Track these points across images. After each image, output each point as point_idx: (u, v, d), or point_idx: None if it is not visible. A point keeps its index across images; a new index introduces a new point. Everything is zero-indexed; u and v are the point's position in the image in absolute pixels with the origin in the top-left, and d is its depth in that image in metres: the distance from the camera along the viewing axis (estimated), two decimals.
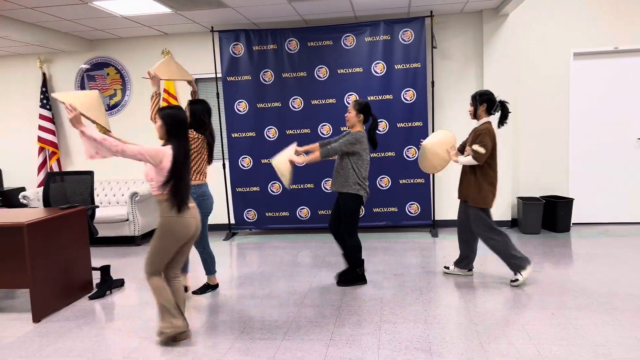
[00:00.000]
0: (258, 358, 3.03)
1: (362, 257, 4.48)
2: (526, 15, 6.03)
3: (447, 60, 6.21)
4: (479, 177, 4.06)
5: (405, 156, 6.10)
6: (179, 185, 3.07)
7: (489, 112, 4.07)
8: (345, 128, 6.13)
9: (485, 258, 4.97)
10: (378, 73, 6.00)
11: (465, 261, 4.42)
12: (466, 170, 4.20)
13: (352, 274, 4.31)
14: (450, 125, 6.27)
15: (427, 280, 4.37)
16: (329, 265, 4.96)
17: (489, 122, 4.07)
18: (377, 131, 6.07)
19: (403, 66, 5.95)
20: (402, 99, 6.00)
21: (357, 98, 6.07)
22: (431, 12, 5.91)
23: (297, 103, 6.19)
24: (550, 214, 5.95)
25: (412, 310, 3.67)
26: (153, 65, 6.68)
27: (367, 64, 6.01)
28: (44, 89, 6.78)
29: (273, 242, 6.09)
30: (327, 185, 6.27)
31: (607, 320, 3.36)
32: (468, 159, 3.98)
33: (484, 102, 4.05)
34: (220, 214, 6.68)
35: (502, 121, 4.14)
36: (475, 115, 4.13)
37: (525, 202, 5.88)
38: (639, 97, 5.99)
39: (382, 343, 3.16)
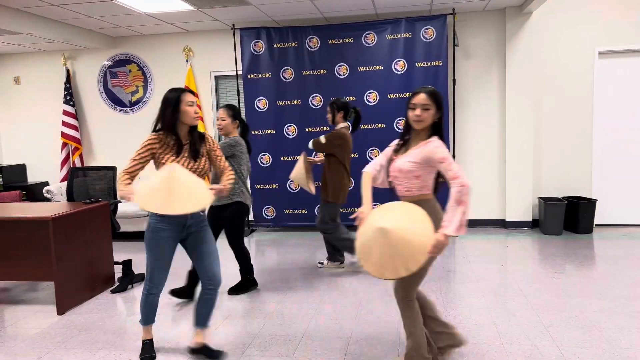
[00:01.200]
0: (277, 356, 3.04)
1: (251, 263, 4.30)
2: (550, 13, 5.94)
3: (469, 59, 6.15)
4: (331, 173, 4.47)
5: None
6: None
7: (345, 118, 4.52)
8: (365, 126, 6.11)
9: (506, 259, 4.92)
10: (399, 71, 5.97)
11: (334, 255, 4.75)
12: (324, 168, 4.58)
13: (243, 282, 4.21)
14: (471, 124, 6.21)
15: (447, 279, 4.34)
16: (348, 265, 4.96)
17: (346, 127, 4.50)
18: (398, 129, 6.05)
19: (424, 64, 5.91)
20: None
21: (377, 96, 6.05)
22: (453, 9, 5.85)
23: (317, 101, 6.19)
24: (573, 215, 5.86)
25: None
26: (176, 64, 6.75)
27: (387, 61, 5.98)
28: (67, 85, 6.88)
29: (291, 239, 6.11)
30: None
31: (632, 323, 3.30)
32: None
33: (341, 109, 4.49)
34: None
35: (355, 127, 4.58)
36: (333, 121, 4.54)
37: (547, 203, 5.80)
38: None
39: (402, 342, 3.14)
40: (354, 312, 3.67)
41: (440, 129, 2.57)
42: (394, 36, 5.93)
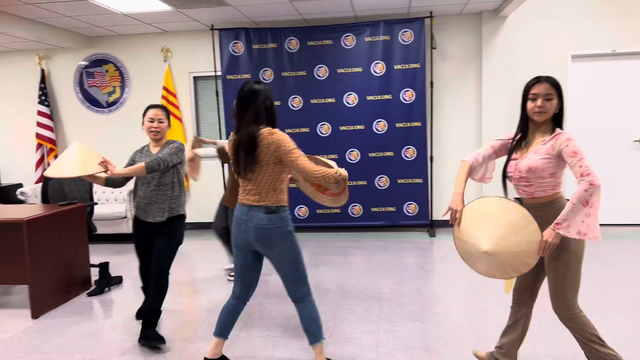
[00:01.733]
0: (257, 356, 3.04)
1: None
2: (525, 17, 6.06)
3: (446, 61, 6.24)
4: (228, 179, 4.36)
5: (403, 156, 6.12)
6: None
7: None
8: (344, 127, 6.15)
9: None
10: (377, 73, 6.02)
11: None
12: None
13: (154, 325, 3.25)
14: (449, 125, 6.30)
15: (425, 279, 4.40)
16: (327, 263, 4.98)
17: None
18: (376, 131, 6.10)
19: (402, 66, 5.97)
20: (401, 99, 6.02)
21: (356, 97, 6.09)
22: (431, 12, 5.94)
23: (296, 102, 6.21)
24: None
25: (410, 309, 3.70)
26: (154, 65, 6.69)
27: (366, 63, 6.03)
28: (42, 86, 6.76)
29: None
30: None
31: (602, 320, 3.39)
32: None
33: None
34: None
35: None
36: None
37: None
38: (637, 100, 6.04)
39: (380, 341, 3.18)
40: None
41: (561, 120, 2.37)
42: (372, 38, 5.99)
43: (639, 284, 4.07)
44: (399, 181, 6.18)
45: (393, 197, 6.21)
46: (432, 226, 6.27)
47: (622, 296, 3.83)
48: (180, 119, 6.65)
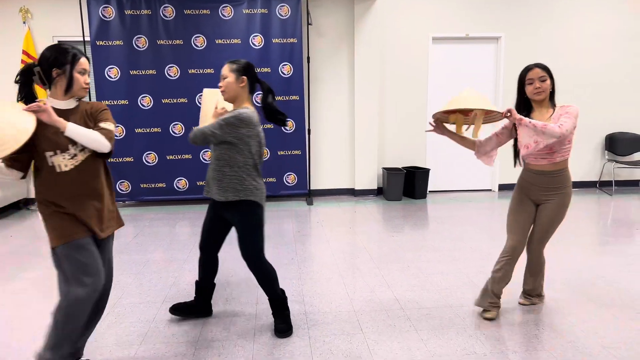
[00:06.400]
0: (136, 327, 3.08)
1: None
2: (392, 0, 6.54)
3: (321, 38, 6.51)
4: None
5: (283, 129, 6.33)
6: None
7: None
8: None
9: (354, 223, 5.43)
10: (256, 46, 6.11)
11: None
12: None
13: (285, 313, 2.96)
14: (324, 100, 6.63)
15: (302, 242, 4.69)
16: None
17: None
18: (256, 103, 6.22)
19: (280, 40, 6.13)
20: (280, 72, 6.20)
21: None
22: None
23: (173, 71, 6.08)
24: (410, 183, 6.64)
25: (288, 269, 3.96)
26: (11, 26, 6.08)
27: (245, 36, 6.09)
28: None
29: (149, 213, 6.00)
30: (205, 155, 6.29)
31: (451, 269, 3.95)
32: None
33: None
34: None
35: None
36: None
37: (389, 172, 6.48)
38: (485, 80, 6.86)
39: (260, 299, 3.39)
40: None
41: (554, 96, 2.83)
42: (250, 11, 6.04)
43: (486, 238, 4.76)
44: (279, 153, 6.39)
45: (273, 168, 6.42)
46: (309, 195, 6.61)
47: (470, 249, 4.46)
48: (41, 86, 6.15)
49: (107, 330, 2.97)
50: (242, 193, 2.74)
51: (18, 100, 2.23)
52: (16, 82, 2.24)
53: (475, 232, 4.98)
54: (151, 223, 5.52)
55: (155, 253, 4.44)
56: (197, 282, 3.08)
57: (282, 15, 6.09)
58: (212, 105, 3.02)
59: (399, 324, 2.98)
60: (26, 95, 2.24)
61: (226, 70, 2.74)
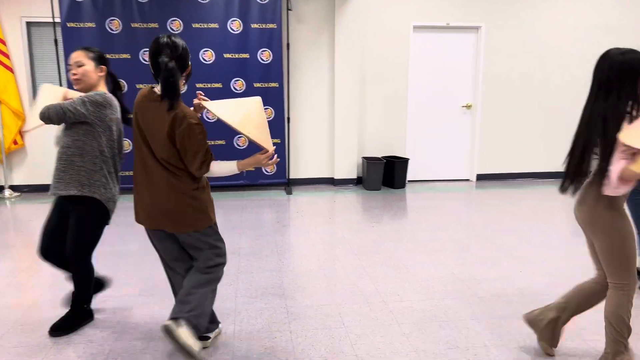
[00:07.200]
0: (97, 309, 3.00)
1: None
2: None
3: (301, 24, 6.39)
4: None
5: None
6: None
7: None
8: (201, 85, 6.02)
9: (333, 212, 5.40)
10: (234, 30, 5.96)
11: None
12: None
13: (79, 314, 2.79)
14: (304, 88, 6.54)
15: (281, 233, 4.63)
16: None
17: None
18: (234, 90, 6.09)
19: (259, 25, 5.99)
20: (259, 59, 6.07)
21: (213, 54, 5.98)
22: None
23: (148, 56, 5.88)
24: (390, 172, 6.62)
25: (268, 261, 3.90)
26: None
27: (223, 20, 5.93)
28: None
29: (122, 202, 5.85)
30: None
31: (431, 260, 3.95)
32: None
33: None
34: None
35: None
36: None
37: (369, 162, 6.45)
38: (465, 69, 6.86)
39: (239, 291, 3.33)
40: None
41: None
42: None
43: (464, 228, 4.78)
44: None
45: None
46: (288, 184, 6.54)
47: (448, 239, 4.47)
48: (11, 69, 5.90)
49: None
50: (87, 189, 2.52)
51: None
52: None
53: (454, 222, 4.99)
54: (125, 213, 5.38)
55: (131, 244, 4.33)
56: (73, 294, 2.76)
57: (261, 0, 5.95)
58: (50, 100, 2.63)
59: (381, 318, 2.96)
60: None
61: (82, 56, 2.56)
